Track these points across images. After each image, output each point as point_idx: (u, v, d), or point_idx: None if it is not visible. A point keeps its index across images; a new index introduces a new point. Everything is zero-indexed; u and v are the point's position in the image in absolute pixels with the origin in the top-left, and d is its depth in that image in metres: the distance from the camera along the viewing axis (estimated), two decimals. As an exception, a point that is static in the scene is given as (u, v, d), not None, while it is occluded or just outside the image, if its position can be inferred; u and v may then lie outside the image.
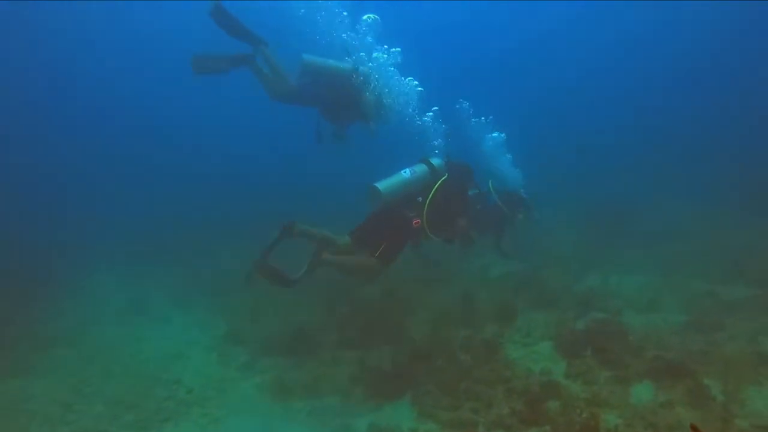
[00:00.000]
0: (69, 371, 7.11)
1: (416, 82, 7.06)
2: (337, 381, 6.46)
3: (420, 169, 6.04)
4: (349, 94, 6.66)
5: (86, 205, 18.43)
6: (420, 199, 5.94)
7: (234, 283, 9.69)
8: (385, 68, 6.87)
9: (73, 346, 7.93)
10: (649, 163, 18.02)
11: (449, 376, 5.83)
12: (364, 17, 6.93)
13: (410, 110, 6.90)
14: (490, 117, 8.68)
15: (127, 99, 29.33)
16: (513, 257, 8.12)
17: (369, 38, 6.90)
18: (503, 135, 8.63)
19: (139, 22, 25.71)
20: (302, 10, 6.85)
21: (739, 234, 10.28)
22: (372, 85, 6.70)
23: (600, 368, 5.63)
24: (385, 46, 6.95)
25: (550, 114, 27.98)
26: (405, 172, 5.93)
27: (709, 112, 25.64)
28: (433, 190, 5.95)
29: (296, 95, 6.55)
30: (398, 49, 6.96)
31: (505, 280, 9.25)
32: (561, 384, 5.33)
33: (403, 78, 6.96)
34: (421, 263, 7.25)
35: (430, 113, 6.99)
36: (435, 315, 7.67)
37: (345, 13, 6.87)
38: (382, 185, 5.76)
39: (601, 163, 18.41)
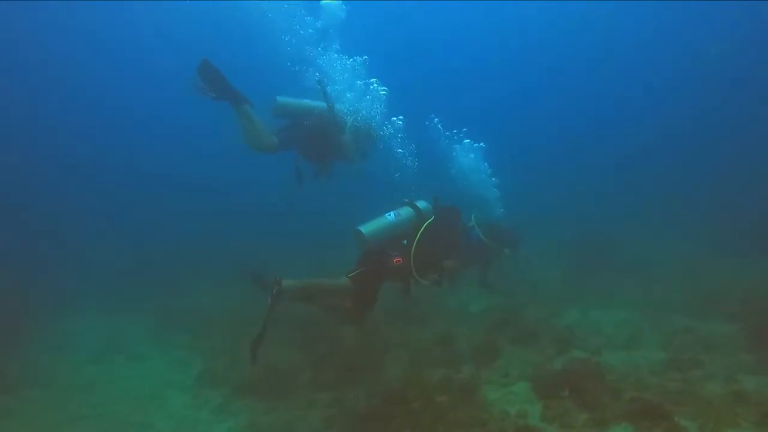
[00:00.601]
0: (38, 413, 6.93)
1: (401, 118, 7.05)
2: (311, 424, 6.33)
3: (405, 212, 6.04)
4: (327, 134, 6.59)
5: (61, 238, 18.05)
6: (405, 242, 5.92)
7: (214, 322, 9.67)
8: (363, 103, 6.87)
9: (44, 388, 7.74)
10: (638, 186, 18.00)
11: (425, 420, 5.71)
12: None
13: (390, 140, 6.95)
14: (464, 129, 8.37)
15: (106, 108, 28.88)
16: (498, 291, 7.97)
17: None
18: (482, 145, 8.30)
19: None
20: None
21: (720, 269, 10.34)
22: (349, 123, 6.71)
23: (577, 410, 5.53)
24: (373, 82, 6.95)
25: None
26: (389, 215, 5.93)
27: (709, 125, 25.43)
28: (419, 232, 5.91)
29: (276, 147, 6.41)
30: (376, 81, 6.93)
31: (485, 316, 9.18)
32: (536, 428, 5.24)
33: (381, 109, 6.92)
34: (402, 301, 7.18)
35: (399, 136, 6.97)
36: (412, 354, 7.57)
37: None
38: (365, 228, 5.76)
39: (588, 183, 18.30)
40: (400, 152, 6.92)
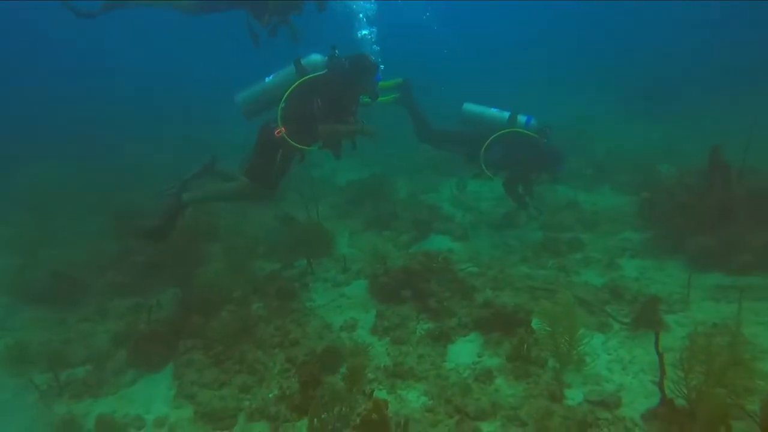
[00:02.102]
0: None
1: None
2: (95, 344, 4.83)
3: (286, 70, 4.92)
4: None
5: None
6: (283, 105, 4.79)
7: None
8: None
9: None
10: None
11: (228, 335, 4.34)
12: None
13: None
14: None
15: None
16: (538, 211, 6.52)
17: None
18: None
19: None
20: None
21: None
22: None
23: (417, 318, 4.34)
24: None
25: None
26: (267, 77, 4.98)
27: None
28: (287, 92, 4.73)
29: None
30: None
31: (348, 191, 7.76)
32: (361, 346, 3.99)
33: None
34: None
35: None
36: (244, 244, 6.10)
37: None
38: (239, 94, 5.00)
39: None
40: None
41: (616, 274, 5.24)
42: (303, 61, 4.87)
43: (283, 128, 4.69)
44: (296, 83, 4.73)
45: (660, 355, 2.92)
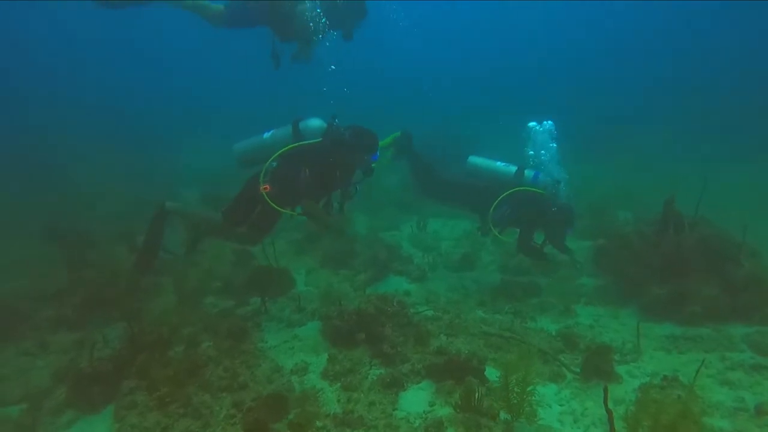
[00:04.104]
0: None
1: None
2: (33, 381, 4.57)
3: (283, 131, 4.99)
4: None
5: None
6: (275, 164, 4.84)
7: None
8: None
9: None
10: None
11: (175, 376, 4.16)
12: None
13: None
14: None
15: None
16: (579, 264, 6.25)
17: None
18: None
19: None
20: None
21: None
22: None
23: (370, 363, 4.25)
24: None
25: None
26: (266, 132, 5.04)
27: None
28: (277, 153, 4.78)
29: (224, 15, 5.86)
30: None
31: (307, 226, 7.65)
32: (307, 393, 3.87)
33: None
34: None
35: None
36: (197, 277, 5.93)
37: None
38: (237, 144, 5.13)
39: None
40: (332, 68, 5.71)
41: (572, 320, 5.26)
42: (301, 125, 4.91)
43: (267, 187, 4.71)
44: (290, 146, 4.78)
45: (609, 412, 2.89)
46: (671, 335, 4.84)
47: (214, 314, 5.28)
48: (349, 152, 4.83)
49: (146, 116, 17.19)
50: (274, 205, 4.67)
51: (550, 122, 6.15)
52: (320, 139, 4.83)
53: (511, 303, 5.68)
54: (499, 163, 6.08)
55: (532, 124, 6.19)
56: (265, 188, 4.70)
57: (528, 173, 5.90)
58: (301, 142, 4.80)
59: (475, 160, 6.18)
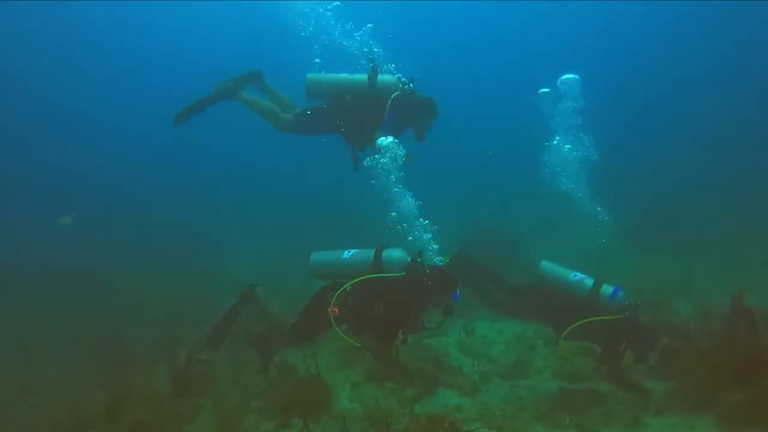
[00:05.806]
0: None
1: None
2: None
3: (364, 255, 4.88)
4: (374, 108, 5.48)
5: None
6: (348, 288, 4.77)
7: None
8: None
9: None
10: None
11: None
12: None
13: None
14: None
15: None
16: None
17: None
18: None
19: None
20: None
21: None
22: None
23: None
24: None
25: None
26: (347, 251, 4.95)
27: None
28: (353, 281, 4.73)
29: (291, 123, 5.73)
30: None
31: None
32: None
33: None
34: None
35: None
36: (237, 397, 5.72)
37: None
38: (314, 256, 5.06)
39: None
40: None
41: (642, 433, 4.79)
42: (384, 254, 4.81)
43: (336, 310, 4.67)
44: (369, 276, 4.69)
45: None
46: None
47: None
48: (432, 292, 4.75)
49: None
50: (339, 332, 4.62)
51: None
52: (402, 273, 4.72)
53: (571, 414, 5.24)
54: (573, 274, 5.64)
55: None
56: (334, 311, 4.65)
57: (606, 288, 5.42)
58: (381, 274, 4.69)
59: (547, 265, 5.80)
